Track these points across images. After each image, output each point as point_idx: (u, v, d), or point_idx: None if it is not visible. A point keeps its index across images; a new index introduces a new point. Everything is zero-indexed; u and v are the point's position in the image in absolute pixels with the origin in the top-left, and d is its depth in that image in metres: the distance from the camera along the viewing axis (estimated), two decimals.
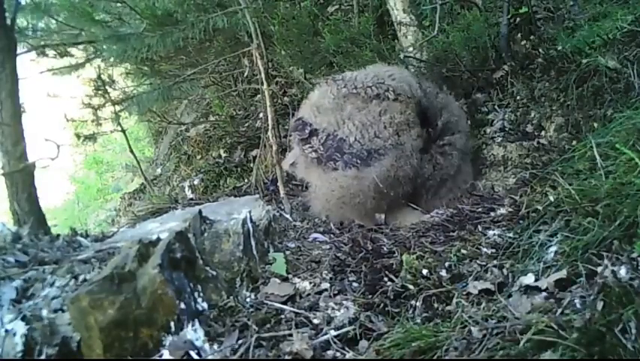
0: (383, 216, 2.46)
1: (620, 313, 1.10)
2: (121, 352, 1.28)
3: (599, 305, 1.16)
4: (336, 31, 3.38)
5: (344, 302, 1.52)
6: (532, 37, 3.23)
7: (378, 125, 2.32)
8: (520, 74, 3.04)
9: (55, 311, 1.39)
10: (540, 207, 1.79)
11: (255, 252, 1.73)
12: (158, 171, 5.76)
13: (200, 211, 1.75)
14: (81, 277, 1.55)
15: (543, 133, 2.79)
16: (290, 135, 2.70)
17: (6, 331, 1.31)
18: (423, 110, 2.40)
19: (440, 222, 2.15)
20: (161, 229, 1.88)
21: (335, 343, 1.33)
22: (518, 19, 3.31)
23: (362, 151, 2.32)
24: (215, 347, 1.33)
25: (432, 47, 3.26)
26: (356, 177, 2.34)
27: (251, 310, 1.50)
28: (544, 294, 1.39)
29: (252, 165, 3.98)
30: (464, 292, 1.52)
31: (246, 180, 3.97)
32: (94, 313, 1.27)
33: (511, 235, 1.82)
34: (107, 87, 4.05)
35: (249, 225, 1.75)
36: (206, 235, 1.69)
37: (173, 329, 1.34)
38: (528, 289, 1.44)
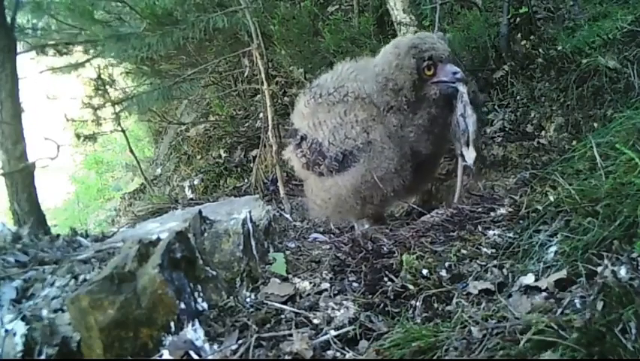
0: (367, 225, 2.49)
1: (620, 313, 1.10)
2: (121, 352, 1.27)
3: (599, 305, 1.16)
4: (336, 31, 3.38)
5: (344, 302, 1.52)
6: (532, 37, 3.23)
7: (345, 126, 2.33)
8: (520, 74, 3.05)
9: (55, 311, 1.39)
10: (540, 207, 1.78)
11: (255, 252, 1.73)
12: (158, 171, 5.77)
13: (200, 211, 1.75)
14: (81, 277, 1.54)
15: (543, 133, 2.80)
16: (286, 142, 2.75)
17: (6, 331, 1.31)
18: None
19: (440, 222, 2.15)
20: (161, 229, 1.88)
21: (335, 343, 1.33)
22: (518, 19, 3.32)
23: (338, 154, 2.34)
24: (215, 347, 1.33)
25: None
26: (343, 181, 2.36)
27: (251, 310, 1.50)
28: (544, 294, 1.39)
29: (252, 165, 3.99)
30: (464, 292, 1.52)
31: (246, 180, 3.97)
32: (94, 313, 1.27)
33: (511, 235, 1.81)
34: (107, 87, 4.05)
35: (249, 225, 1.75)
36: (206, 235, 1.69)
37: (173, 329, 1.34)
38: (528, 289, 1.44)
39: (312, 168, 2.46)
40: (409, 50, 2.21)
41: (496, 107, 3.07)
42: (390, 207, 2.83)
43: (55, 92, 5.06)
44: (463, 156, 2.29)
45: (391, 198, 2.44)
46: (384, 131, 2.30)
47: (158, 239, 1.47)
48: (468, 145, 2.25)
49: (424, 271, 1.65)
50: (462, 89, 2.23)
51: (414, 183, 2.43)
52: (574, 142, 2.49)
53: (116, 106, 4.11)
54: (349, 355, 1.29)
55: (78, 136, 4.20)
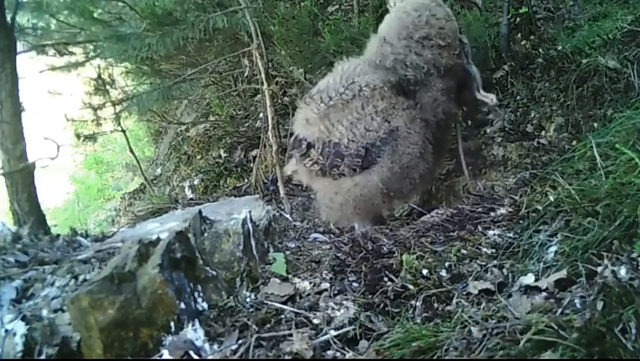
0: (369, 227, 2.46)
1: (620, 313, 1.10)
2: (121, 352, 1.28)
3: (599, 305, 1.16)
4: (336, 31, 3.38)
5: (344, 302, 1.52)
6: (532, 37, 3.23)
7: (365, 119, 2.29)
8: (520, 74, 3.05)
9: (55, 311, 1.39)
10: (540, 207, 1.78)
11: (255, 252, 1.73)
12: (158, 171, 5.77)
13: (200, 211, 1.75)
14: (81, 277, 1.55)
15: (543, 133, 2.79)
16: (289, 154, 2.71)
17: (6, 331, 1.31)
18: (404, 86, 2.34)
19: (440, 222, 2.15)
20: (161, 229, 1.88)
21: (335, 343, 1.33)
22: (518, 19, 3.32)
23: (359, 149, 2.29)
24: (215, 347, 1.33)
25: None
26: (369, 179, 2.31)
27: (251, 310, 1.50)
28: (544, 294, 1.39)
29: (252, 165, 3.99)
30: (464, 292, 1.52)
31: (246, 180, 3.97)
32: (94, 313, 1.27)
33: (511, 235, 1.81)
34: (107, 87, 4.05)
35: (249, 225, 1.75)
36: (206, 235, 1.69)
37: (173, 329, 1.34)
38: (528, 289, 1.44)
39: (330, 171, 2.38)
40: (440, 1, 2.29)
41: (496, 107, 3.06)
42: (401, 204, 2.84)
43: (56, 92, 5.07)
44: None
45: (418, 185, 2.42)
46: (409, 116, 2.28)
47: (158, 239, 1.47)
48: (479, 90, 2.37)
49: (424, 271, 1.65)
50: (464, 39, 2.36)
51: (433, 165, 2.44)
52: (574, 142, 2.49)
53: (116, 106, 4.11)
54: (349, 355, 1.29)
55: (78, 136, 4.20)
